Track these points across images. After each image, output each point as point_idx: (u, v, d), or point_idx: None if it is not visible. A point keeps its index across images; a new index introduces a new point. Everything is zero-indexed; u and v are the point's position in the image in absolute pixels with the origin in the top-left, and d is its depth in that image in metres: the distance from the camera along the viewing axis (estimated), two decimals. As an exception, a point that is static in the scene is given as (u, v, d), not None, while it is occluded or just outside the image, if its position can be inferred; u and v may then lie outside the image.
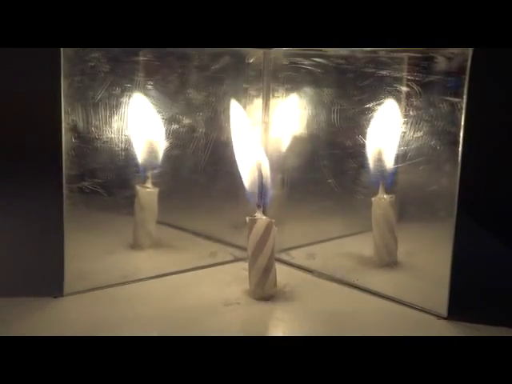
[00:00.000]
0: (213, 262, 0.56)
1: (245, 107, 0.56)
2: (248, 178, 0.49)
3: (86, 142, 0.50)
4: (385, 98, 0.52)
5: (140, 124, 0.54)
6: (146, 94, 0.54)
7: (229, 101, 0.56)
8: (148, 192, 0.56)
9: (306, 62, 0.55)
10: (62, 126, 0.46)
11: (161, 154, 0.56)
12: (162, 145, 0.56)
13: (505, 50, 0.44)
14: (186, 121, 0.57)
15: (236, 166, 0.49)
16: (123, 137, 0.53)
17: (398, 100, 0.52)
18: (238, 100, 0.55)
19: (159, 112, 0.56)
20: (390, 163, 0.53)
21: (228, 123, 0.56)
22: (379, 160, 0.54)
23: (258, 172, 0.48)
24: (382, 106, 0.52)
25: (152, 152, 0.56)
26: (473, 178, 0.46)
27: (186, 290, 0.50)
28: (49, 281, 0.49)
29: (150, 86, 0.54)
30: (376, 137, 0.54)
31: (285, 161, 0.57)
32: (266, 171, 0.49)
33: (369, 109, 0.53)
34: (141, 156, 0.55)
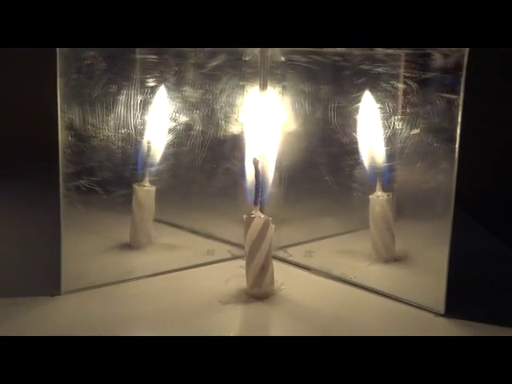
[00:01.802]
0: (210, 260, 0.56)
1: (241, 104, 0.56)
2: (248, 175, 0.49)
3: (83, 140, 0.50)
4: (381, 95, 0.52)
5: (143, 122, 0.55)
6: (142, 92, 0.54)
7: (226, 98, 0.56)
8: (145, 190, 0.56)
9: (302, 59, 0.55)
10: (58, 124, 0.46)
11: (158, 152, 0.56)
12: (159, 143, 0.56)
13: (501, 48, 0.44)
14: (183, 118, 0.57)
15: (235, 163, 0.49)
16: (120, 135, 0.53)
17: (395, 97, 0.52)
18: (235, 97, 0.55)
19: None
20: (386, 160, 0.53)
21: (226, 120, 0.56)
22: (376, 157, 0.54)
23: (255, 169, 0.48)
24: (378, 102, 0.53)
25: (149, 150, 0.56)
26: (469, 175, 0.46)
27: (184, 288, 0.50)
28: (46, 279, 0.49)
29: (147, 84, 0.54)
30: (372, 134, 0.54)
31: (282, 158, 0.57)
32: (267, 169, 0.49)
33: (366, 105, 0.53)
34: (138, 154, 0.55)
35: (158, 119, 0.56)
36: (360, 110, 0.54)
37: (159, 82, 0.55)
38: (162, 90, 0.55)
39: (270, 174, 0.50)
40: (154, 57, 0.54)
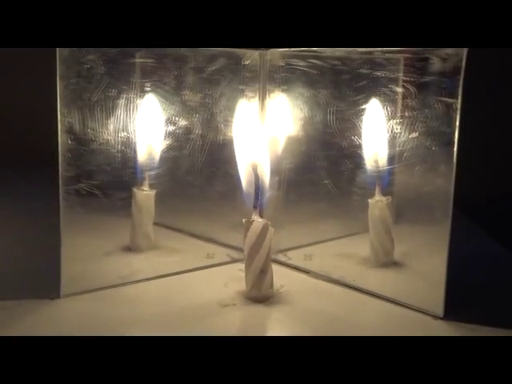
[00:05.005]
0: (209, 264, 0.56)
1: (240, 108, 0.56)
2: (245, 179, 0.49)
3: (83, 143, 0.50)
4: (380, 98, 0.52)
5: (143, 125, 0.54)
6: (142, 97, 0.54)
7: (225, 102, 0.56)
8: (145, 194, 0.56)
9: (301, 64, 0.55)
10: (58, 128, 0.46)
11: (158, 156, 0.57)
12: (159, 146, 0.57)
13: (499, 50, 0.44)
14: (183, 122, 0.57)
15: (233, 166, 0.49)
16: (119, 138, 0.53)
17: (394, 101, 0.52)
18: (234, 101, 0.55)
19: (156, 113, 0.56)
20: (385, 164, 0.54)
21: (225, 124, 0.56)
22: (375, 161, 0.54)
23: (254, 173, 0.48)
24: (376, 106, 0.53)
25: (149, 154, 0.56)
26: (468, 178, 0.47)
27: (183, 292, 0.50)
28: (46, 282, 0.49)
29: (147, 88, 0.55)
30: (371, 138, 0.54)
31: (281, 162, 0.57)
32: (264, 173, 0.49)
33: (364, 110, 0.53)
34: (138, 158, 0.55)
35: (157, 123, 0.56)
36: (360, 114, 0.54)
37: (158, 86, 0.55)
38: (159, 94, 0.56)
39: (267, 178, 0.50)
40: (153, 61, 0.55)
